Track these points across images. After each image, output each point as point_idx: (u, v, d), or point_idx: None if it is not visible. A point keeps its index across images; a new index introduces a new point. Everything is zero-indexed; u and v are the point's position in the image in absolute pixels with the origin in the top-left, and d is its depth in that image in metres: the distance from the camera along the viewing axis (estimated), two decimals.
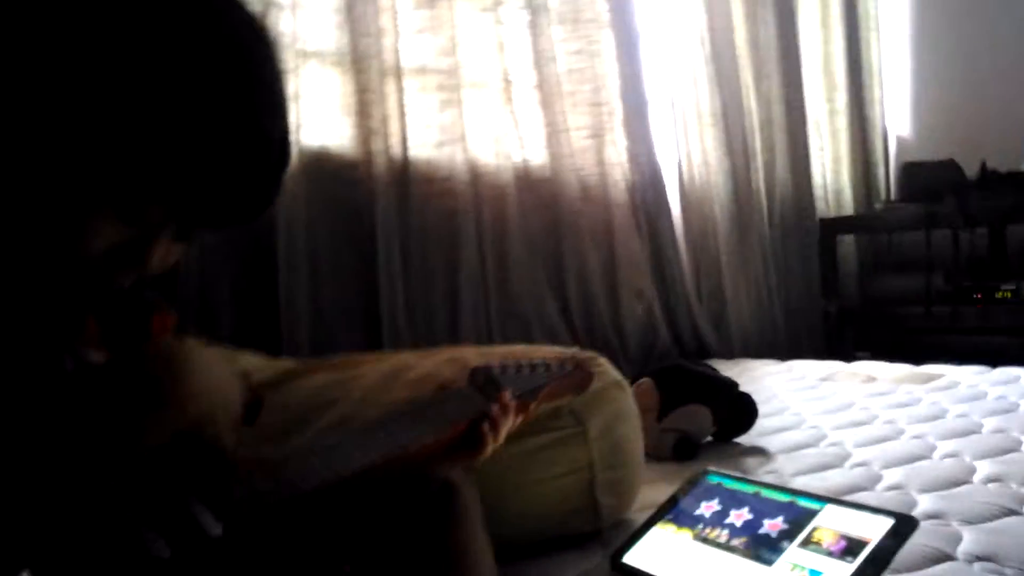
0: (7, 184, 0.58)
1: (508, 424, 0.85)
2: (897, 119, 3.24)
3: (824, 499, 1.00)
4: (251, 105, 0.61)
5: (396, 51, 2.00)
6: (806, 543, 0.93)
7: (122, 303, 0.72)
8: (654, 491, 1.26)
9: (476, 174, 2.21)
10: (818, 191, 2.99)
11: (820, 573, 0.88)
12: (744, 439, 1.61)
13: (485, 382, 0.86)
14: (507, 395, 0.85)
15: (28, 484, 0.52)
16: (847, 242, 3.06)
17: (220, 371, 0.62)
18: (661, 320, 2.51)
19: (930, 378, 2.03)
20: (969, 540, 1.06)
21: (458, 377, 0.88)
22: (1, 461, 0.52)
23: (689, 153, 2.67)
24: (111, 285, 0.63)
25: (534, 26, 2.30)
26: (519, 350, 1.28)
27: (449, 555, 0.80)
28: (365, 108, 1.95)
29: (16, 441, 0.53)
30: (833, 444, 1.54)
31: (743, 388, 1.65)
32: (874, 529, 0.91)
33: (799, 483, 1.30)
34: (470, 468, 0.86)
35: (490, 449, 0.82)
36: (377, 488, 0.75)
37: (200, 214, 0.62)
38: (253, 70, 0.62)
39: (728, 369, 2.03)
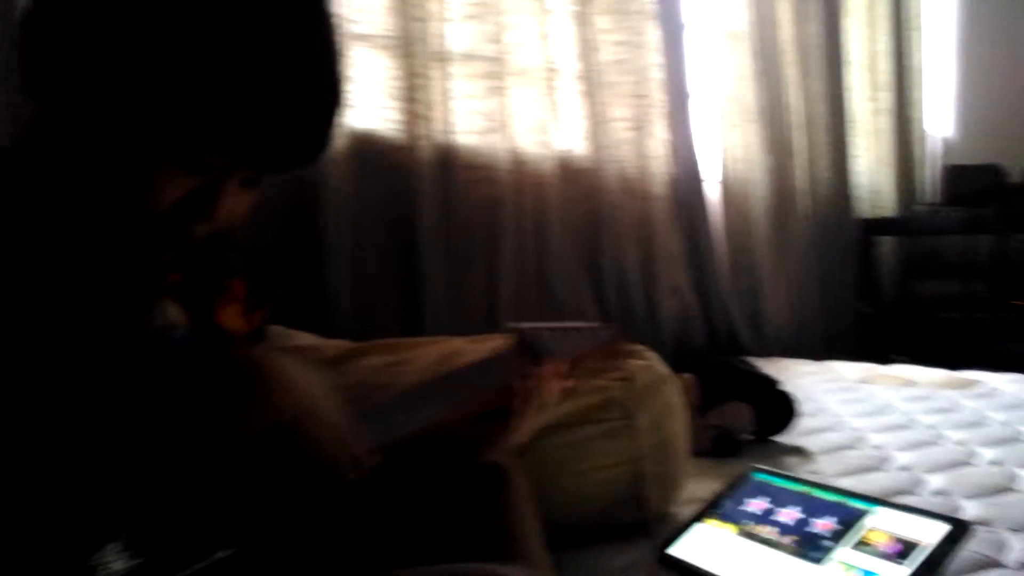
0: (73, 141, 0.60)
1: (548, 388, 0.85)
2: (941, 121, 3.21)
3: (875, 500, 1.01)
4: (303, 46, 0.61)
5: (443, 36, 2.01)
6: (859, 544, 0.94)
7: (202, 263, 0.74)
8: (696, 486, 1.27)
9: (518, 162, 2.22)
10: (858, 191, 2.97)
11: (875, 574, 0.89)
12: (784, 438, 1.61)
13: (526, 346, 0.86)
14: (547, 360, 0.85)
15: (126, 454, 0.53)
16: (886, 243, 3.04)
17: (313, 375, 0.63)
18: (697, 315, 2.51)
19: (968, 384, 2.03)
20: (1019, 548, 1.06)
21: (498, 346, 0.88)
22: (99, 429, 0.53)
23: (730, 148, 2.67)
24: (185, 239, 0.64)
25: (580, 16, 2.30)
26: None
27: (500, 536, 0.80)
28: (412, 93, 1.96)
29: (108, 411, 0.54)
30: (875, 447, 1.54)
31: (782, 387, 1.65)
32: (929, 533, 0.92)
33: (842, 485, 1.30)
34: (521, 448, 0.86)
35: (534, 408, 0.83)
36: (432, 456, 0.77)
37: (259, 158, 0.62)
38: (304, 12, 0.62)
39: (765, 367, 2.02)
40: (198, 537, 0.54)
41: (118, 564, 0.49)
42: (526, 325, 0.90)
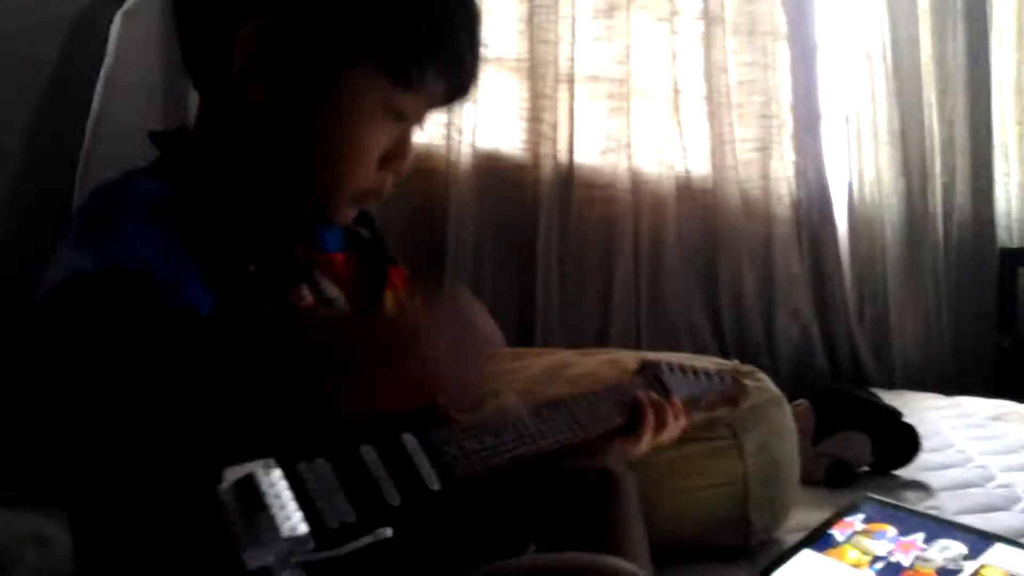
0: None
1: (672, 423, 0.88)
2: None
3: (992, 537, 0.99)
4: None
5: (572, 59, 2.08)
6: None
7: (370, 247, 0.82)
8: (805, 515, 1.26)
9: (637, 182, 2.25)
10: (1000, 219, 2.83)
11: None
12: (904, 472, 1.57)
13: (653, 378, 0.91)
14: (675, 398, 0.90)
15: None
16: None
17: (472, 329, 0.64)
18: (818, 342, 2.46)
19: None
20: None
21: (626, 374, 0.93)
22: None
23: (862, 171, 2.60)
24: (381, 190, 0.74)
25: (708, 36, 2.31)
26: (680, 358, 1.32)
27: (608, 540, 0.83)
28: (537, 113, 2.04)
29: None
30: (1002, 486, 1.49)
31: (905, 419, 1.61)
32: None
33: (963, 522, 1.27)
34: (628, 462, 0.89)
35: (647, 440, 0.86)
36: (550, 469, 0.81)
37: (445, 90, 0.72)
38: None
39: (888, 399, 1.96)
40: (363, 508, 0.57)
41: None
42: (658, 358, 0.95)
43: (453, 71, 0.71)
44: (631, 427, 0.86)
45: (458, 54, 0.71)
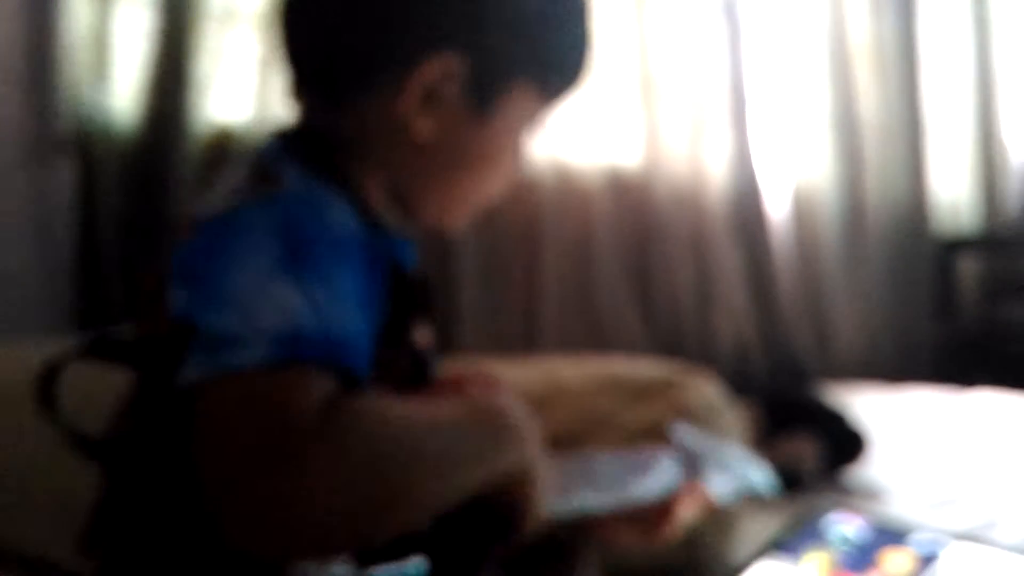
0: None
1: (693, 512, 0.84)
2: None
3: (952, 535, 0.98)
4: None
5: None
6: None
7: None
8: (755, 524, 1.24)
9: (563, 174, 2.22)
10: (937, 206, 2.89)
11: None
12: (852, 472, 1.58)
13: (687, 459, 0.84)
14: (699, 486, 0.84)
15: None
16: (969, 262, 2.96)
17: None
18: (756, 339, 2.47)
19: None
20: None
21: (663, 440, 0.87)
22: None
23: (796, 159, 2.63)
24: None
25: (638, 15, 2.30)
26: (618, 366, 1.28)
27: None
28: None
29: None
30: (952, 480, 1.51)
31: (851, 417, 1.62)
32: (1010, 569, 0.90)
33: (916, 520, 1.28)
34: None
35: (665, 528, 0.82)
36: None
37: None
38: None
39: (831, 392, 2.00)
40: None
41: None
42: (692, 434, 0.89)
43: (579, 78, 0.75)
44: (655, 511, 0.81)
45: (585, 62, 0.74)
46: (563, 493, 0.72)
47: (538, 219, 2.18)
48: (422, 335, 0.68)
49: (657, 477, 0.80)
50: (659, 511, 0.80)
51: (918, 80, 2.81)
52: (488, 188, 0.74)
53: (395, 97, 0.66)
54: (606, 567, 0.98)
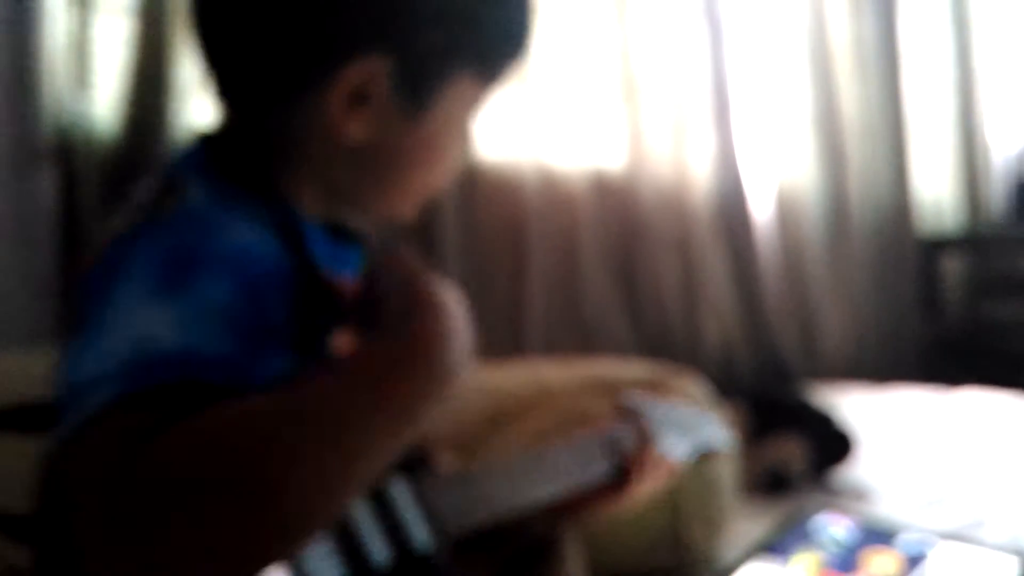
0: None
1: (658, 478, 0.86)
2: (1010, 134, 3.14)
3: (939, 534, 0.99)
4: None
5: None
6: None
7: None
8: (743, 526, 1.25)
9: (548, 177, 2.22)
10: (921, 206, 2.91)
11: None
12: (840, 473, 1.58)
13: (639, 425, 0.87)
14: (660, 450, 0.87)
15: None
16: (952, 262, 2.98)
17: None
18: (741, 340, 2.48)
19: None
20: None
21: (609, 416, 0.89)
22: None
23: (780, 160, 2.63)
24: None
25: (621, 18, 2.30)
26: (605, 368, 1.28)
27: None
28: None
29: None
30: (938, 479, 1.52)
31: (838, 418, 1.63)
32: (997, 568, 0.91)
33: (904, 520, 1.28)
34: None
35: (631, 498, 0.84)
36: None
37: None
38: None
39: (817, 393, 2.01)
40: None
41: None
42: (642, 402, 0.91)
43: (523, 55, 0.71)
44: (616, 482, 0.83)
45: (527, 38, 0.71)
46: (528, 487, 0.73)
47: (523, 222, 2.18)
48: (343, 341, 0.62)
49: (612, 448, 0.83)
50: (617, 482, 0.83)
51: (900, 80, 2.83)
52: (433, 181, 0.71)
53: (321, 102, 0.62)
54: (595, 568, 0.98)
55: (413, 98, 0.64)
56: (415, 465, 0.62)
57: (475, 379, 1.23)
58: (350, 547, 0.55)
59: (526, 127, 2.15)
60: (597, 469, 0.80)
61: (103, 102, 1.83)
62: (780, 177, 2.64)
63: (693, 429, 0.95)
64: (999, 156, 3.06)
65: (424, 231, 2.00)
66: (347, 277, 0.68)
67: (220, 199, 0.59)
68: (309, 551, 0.52)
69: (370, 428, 0.49)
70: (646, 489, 0.85)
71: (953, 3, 2.97)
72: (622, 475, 0.83)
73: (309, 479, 0.45)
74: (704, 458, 0.99)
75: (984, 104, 3.01)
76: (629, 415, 0.88)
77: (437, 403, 0.53)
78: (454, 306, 0.58)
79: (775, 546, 1.07)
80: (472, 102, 0.69)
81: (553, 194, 2.24)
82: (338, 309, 0.63)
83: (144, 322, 0.49)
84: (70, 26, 1.79)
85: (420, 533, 0.59)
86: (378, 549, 0.56)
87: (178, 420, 0.45)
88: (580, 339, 2.26)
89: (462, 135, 0.70)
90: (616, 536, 1.13)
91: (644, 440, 0.85)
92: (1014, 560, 0.92)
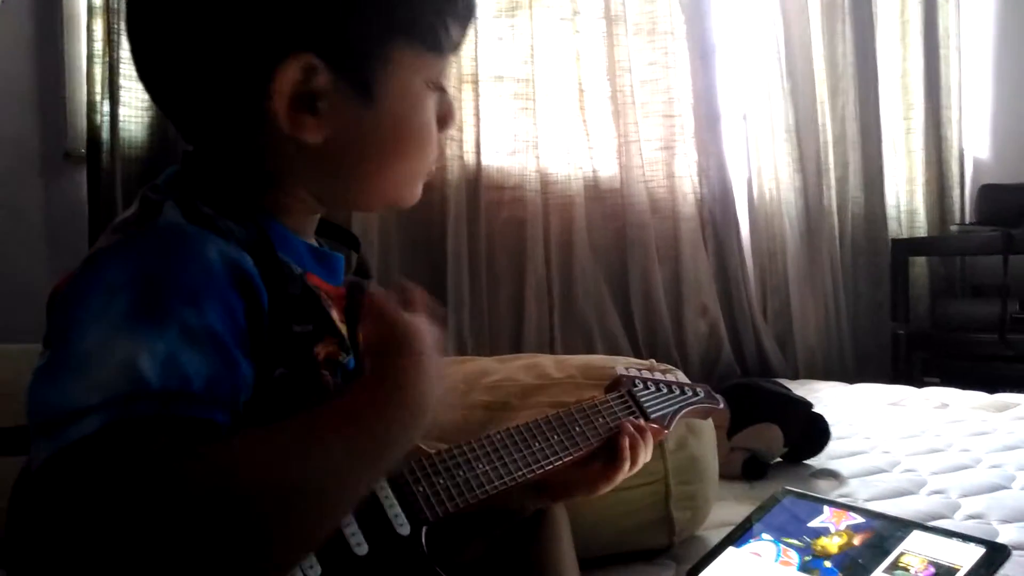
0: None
1: (647, 450, 0.82)
2: (975, 140, 3.17)
3: (910, 524, 0.99)
4: None
5: (475, 58, 2.04)
6: (893, 568, 0.93)
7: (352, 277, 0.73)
8: (724, 509, 1.27)
9: (546, 183, 2.24)
10: (891, 211, 2.94)
11: None
12: (815, 461, 1.59)
13: (628, 397, 0.85)
14: (650, 423, 0.84)
15: None
16: (919, 264, 3.01)
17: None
18: (725, 337, 2.50)
19: (1004, 407, 1.99)
20: None
21: (598, 391, 0.86)
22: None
23: (760, 168, 2.66)
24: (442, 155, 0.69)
25: (610, 36, 2.32)
26: (601, 360, 1.30)
27: (541, 571, 0.80)
28: None
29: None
30: (908, 470, 1.52)
31: (814, 409, 1.64)
32: (964, 557, 0.90)
33: (875, 508, 1.29)
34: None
35: (627, 470, 0.80)
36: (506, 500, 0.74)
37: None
38: None
39: (794, 390, 2.01)
40: None
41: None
42: (631, 373, 0.89)
43: (467, 17, 0.66)
44: (608, 458, 0.79)
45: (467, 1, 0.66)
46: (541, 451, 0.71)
47: (523, 223, 2.19)
48: (324, 347, 0.60)
49: (606, 422, 0.79)
50: (612, 451, 0.78)
51: (873, 94, 2.85)
52: (416, 161, 0.65)
53: (268, 111, 0.58)
54: (585, 549, 1.00)
55: (359, 86, 0.60)
56: None
57: (477, 371, 1.25)
58: (329, 540, 0.53)
59: (526, 137, 2.17)
60: (585, 441, 0.76)
61: (131, 109, 1.84)
62: (761, 185, 2.66)
63: (681, 399, 0.94)
64: (966, 164, 3.09)
65: (430, 235, 2.02)
66: (334, 284, 0.66)
67: (193, 218, 0.56)
68: None
69: (352, 466, 0.50)
70: (636, 459, 0.80)
71: (925, 23, 2.99)
72: (612, 446, 0.79)
73: (300, 516, 0.46)
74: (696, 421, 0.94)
75: (952, 116, 3.04)
76: (618, 387, 0.86)
77: (414, 435, 0.54)
78: (428, 344, 0.56)
79: (752, 530, 1.08)
80: (424, 72, 0.63)
81: (551, 197, 2.25)
82: (323, 314, 0.61)
83: (124, 353, 0.47)
84: (100, 39, 1.80)
85: (400, 519, 0.58)
86: (357, 538, 0.55)
87: (177, 451, 0.44)
88: (577, 337, 2.27)
89: (423, 107, 0.64)
90: (608, 514, 1.14)
91: (632, 410, 0.83)
92: (979, 548, 0.92)
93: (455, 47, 0.66)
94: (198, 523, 0.42)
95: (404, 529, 0.58)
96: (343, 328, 0.64)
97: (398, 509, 0.58)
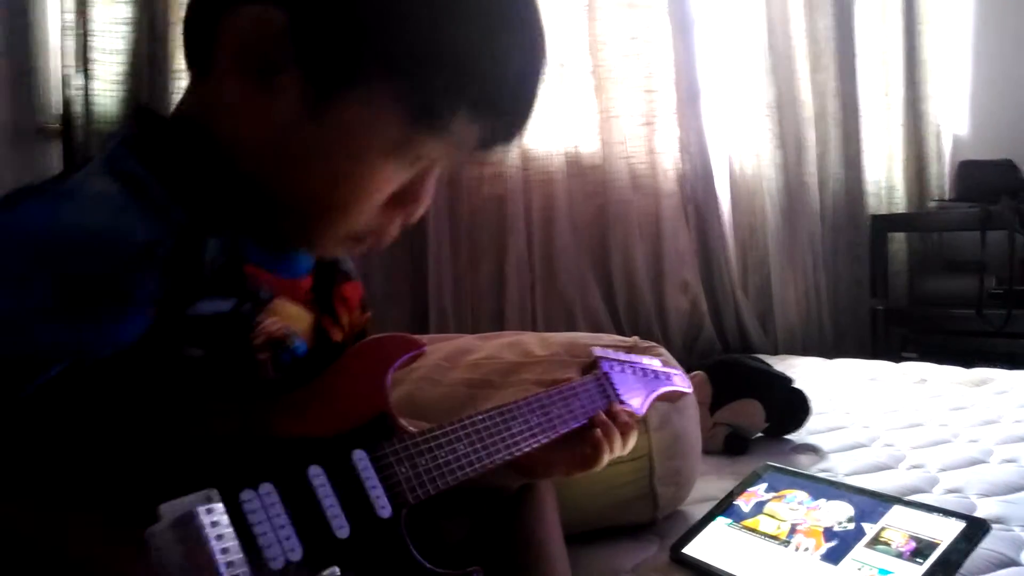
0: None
1: (621, 436, 0.81)
2: (954, 117, 3.18)
3: (891, 499, 1.00)
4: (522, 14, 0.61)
5: None
6: (874, 543, 0.94)
7: (325, 267, 0.73)
8: (708, 484, 1.27)
9: (527, 159, 2.22)
10: (870, 187, 2.95)
11: (890, 573, 0.89)
12: (796, 436, 1.60)
13: (605, 379, 0.85)
14: (616, 406, 0.83)
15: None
16: (898, 240, 3.03)
17: None
18: (706, 313, 2.51)
19: (982, 381, 2.02)
20: None
21: (574, 372, 0.87)
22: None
23: (740, 144, 2.66)
24: (385, 236, 0.64)
25: (591, 10, 2.29)
26: (585, 338, 1.29)
27: (527, 547, 0.80)
28: None
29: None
30: (887, 445, 1.53)
31: (795, 385, 1.65)
32: (944, 531, 0.92)
33: (855, 483, 1.30)
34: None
35: (604, 460, 0.79)
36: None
37: (492, 134, 0.60)
38: None
39: (773, 365, 2.02)
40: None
41: None
42: (608, 355, 0.90)
43: (499, 119, 0.60)
44: (583, 443, 0.79)
45: (511, 99, 0.59)
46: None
47: (504, 200, 2.18)
48: (265, 327, 0.60)
49: (583, 405, 0.80)
50: (589, 434, 0.78)
51: (853, 70, 2.85)
52: (334, 212, 0.59)
53: (222, 60, 0.56)
54: (570, 524, 1.00)
55: (307, 84, 0.54)
56: (378, 433, 0.60)
57: (460, 349, 1.24)
58: (310, 519, 0.53)
59: None
60: (563, 423, 0.77)
61: (104, 82, 1.81)
62: (741, 161, 2.66)
63: (657, 377, 0.95)
64: (944, 141, 3.10)
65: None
66: (286, 276, 0.65)
67: (112, 181, 0.53)
68: (267, 525, 0.51)
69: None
70: (612, 446, 0.80)
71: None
72: (589, 429, 0.78)
73: None
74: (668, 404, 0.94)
75: (930, 93, 3.05)
76: (594, 369, 0.86)
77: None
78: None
79: (736, 507, 1.09)
80: (392, 138, 0.56)
81: (532, 173, 2.24)
82: (255, 298, 0.60)
83: None
84: (72, 10, 1.76)
85: (381, 501, 0.58)
86: (339, 520, 0.55)
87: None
88: (560, 314, 2.27)
89: (368, 162, 0.57)
90: (592, 491, 1.14)
91: (607, 393, 0.83)
92: (959, 523, 0.93)
93: (472, 141, 0.59)
94: None
95: (385, 512, 0.58)
96: (301, 314, 0.64)
97: (380, 491, 0.58)
